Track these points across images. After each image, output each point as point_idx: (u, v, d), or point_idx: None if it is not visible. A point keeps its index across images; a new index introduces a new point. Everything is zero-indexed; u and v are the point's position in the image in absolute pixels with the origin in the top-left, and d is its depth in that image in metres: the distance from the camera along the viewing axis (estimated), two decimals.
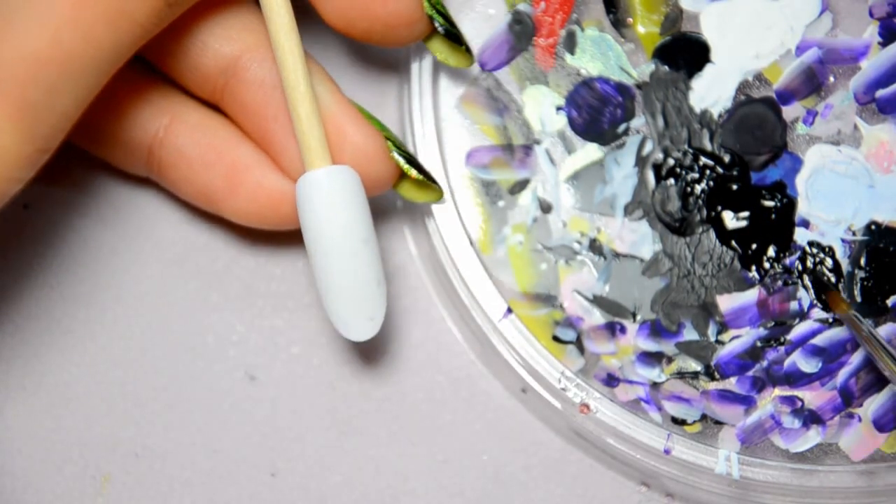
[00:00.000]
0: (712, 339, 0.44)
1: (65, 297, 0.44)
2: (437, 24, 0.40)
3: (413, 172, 0.41)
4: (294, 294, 0.44)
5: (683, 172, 0.44)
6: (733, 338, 0.44)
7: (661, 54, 0.44)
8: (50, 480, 0.43)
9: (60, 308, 0.44)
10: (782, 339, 0.44)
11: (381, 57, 0.45)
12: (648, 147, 0.44)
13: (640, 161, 0.44)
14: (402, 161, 0.41)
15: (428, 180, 0.41)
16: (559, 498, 0.44)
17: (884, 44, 0.45)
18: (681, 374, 0.44)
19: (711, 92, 0.44)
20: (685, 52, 0.44)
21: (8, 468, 0.43)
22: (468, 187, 0.44)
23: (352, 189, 0.39)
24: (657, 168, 0.44)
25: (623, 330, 0.43)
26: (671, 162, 0.44)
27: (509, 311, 0.43)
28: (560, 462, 0.44)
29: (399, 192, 0.41)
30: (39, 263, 0.44)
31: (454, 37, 0.41)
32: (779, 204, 0.44)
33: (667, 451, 0.43)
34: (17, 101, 0.34)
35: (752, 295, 0.44)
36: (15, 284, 0.43)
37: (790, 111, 0.44)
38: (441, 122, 0.44)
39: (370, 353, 0.44)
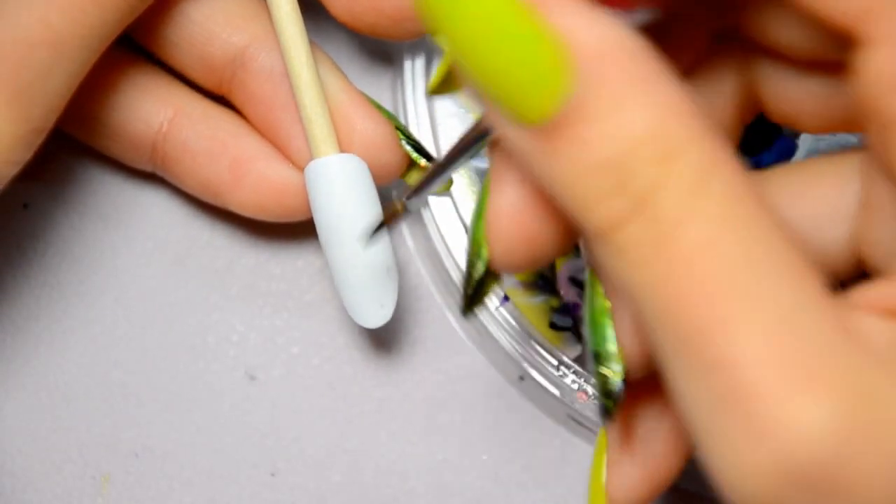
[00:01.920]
0: None
1: (65, 296, 0.44)
2: None
3: (423, 161, 0.41)
4: (294, 294, 0.44)
5: None
6: None
7: None
8: (50, 480, 0.43)
9: (60, 308, 0.44)
10: None
11: (375, 47, 0.45)
12: None
13: None
14: (410, 150, 0.41)
15: None
16: (559, 498, 0.44)
17: None
18: None
19: None
20: None
21: (8, 468, 0.43)
22: (464, 177, 0.44)
23: (358, 177, 0.39)
24: None
25: None
26: None
27: (506, 299, 0.43)
28: (560, 462, 0.44)
29: (408, 183, 0.42)
30: (39, 263, 0.44)
31: None
32: None
33: None
34: (10, 84, 0.35)
35: None
36: (15, 284, 0.44)
37: None
38: (435, 111, 0.44)
39: (370, 352, 0.44)
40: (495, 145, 0.29)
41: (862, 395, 0.23)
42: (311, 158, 0.39)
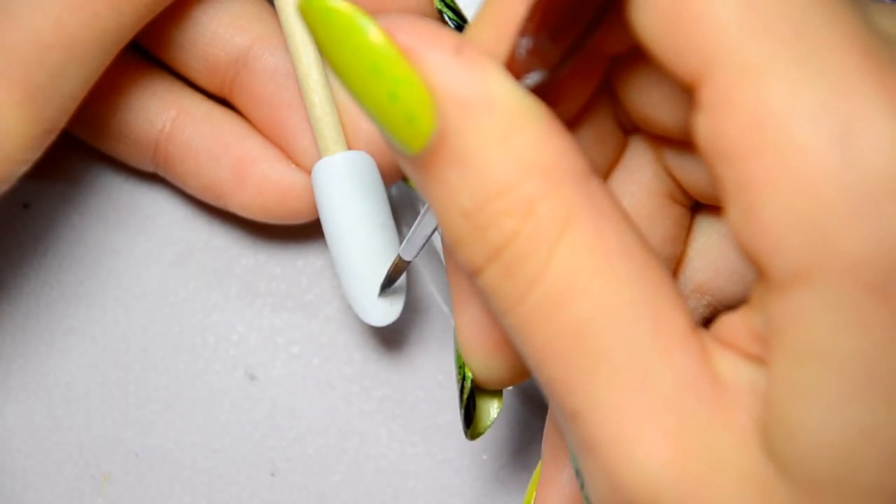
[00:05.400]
0: None
1: (65, 296, 0.44)
2: (447, 19, 0.40)
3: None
4: (294, 294, 0.44)
5: None
6: None
7: None
8: (50, 480, 0.43)
9: (60, 308, 0.44)
10: None
11: None
12: None
13: None
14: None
15: None
16: None
17: None
18: None
19: None
20: None
21: (8, 468, 0.43)
22: None
23: (368, 174, 0.39)
24: None
25: None
26: None
27: None
28: None
29: (410, 185, 0.42)
30: (40, 263, 0.44)
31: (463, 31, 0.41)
32: None
33: None
34: (24, 85, 0.35)
35: None
36: (15, 284, 0.43)
37: None
38: None
39: (370, 352, 0.44)
40: (451, 267, 0.30)
41: (697, 447, 0.24)
42: (320, 157, 0.39)
